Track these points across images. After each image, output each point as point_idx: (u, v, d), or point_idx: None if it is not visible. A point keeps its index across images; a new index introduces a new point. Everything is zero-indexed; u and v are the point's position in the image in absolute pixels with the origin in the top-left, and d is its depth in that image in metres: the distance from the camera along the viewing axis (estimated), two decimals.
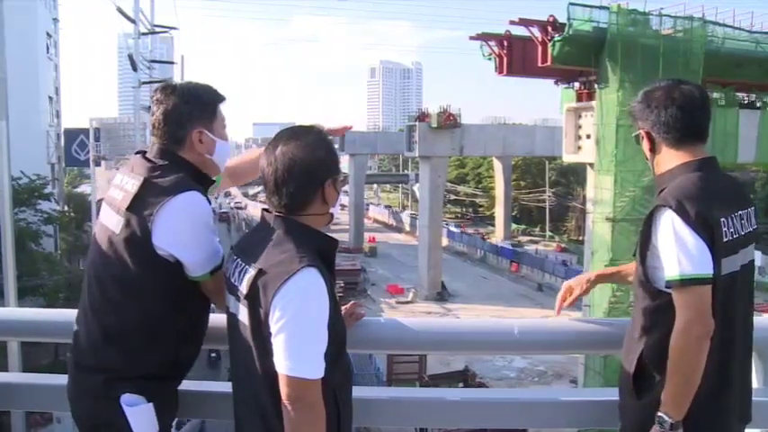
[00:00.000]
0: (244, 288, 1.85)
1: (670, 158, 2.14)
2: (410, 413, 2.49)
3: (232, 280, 1.94)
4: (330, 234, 1.98)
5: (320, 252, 1.88)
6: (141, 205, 2.04)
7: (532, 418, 2.49)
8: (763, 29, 26.93)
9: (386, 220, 78.83)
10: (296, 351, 1.76)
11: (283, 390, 1.77)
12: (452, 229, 62.67)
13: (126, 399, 2.04)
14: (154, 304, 2.09)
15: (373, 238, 61.26)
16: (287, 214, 1.91)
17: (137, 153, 2.24)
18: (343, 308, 2.27)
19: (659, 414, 1.97)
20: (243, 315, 1.88)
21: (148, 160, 2.16)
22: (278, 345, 1.77)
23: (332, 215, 1.99)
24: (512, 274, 49.10)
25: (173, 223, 2.03)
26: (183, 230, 2.05)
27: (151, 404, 2.07)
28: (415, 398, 2.62)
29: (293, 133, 1.94)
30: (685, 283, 1.93)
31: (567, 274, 42.06)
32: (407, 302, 40.66)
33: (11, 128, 7.63)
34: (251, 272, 1.83)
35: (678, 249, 1.94)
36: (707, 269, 1.93)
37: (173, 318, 2.12)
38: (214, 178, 2.27)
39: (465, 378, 24.66)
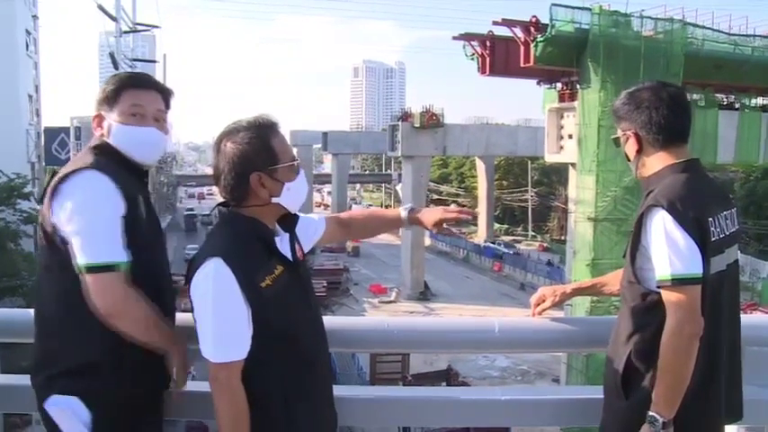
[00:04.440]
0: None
1: (657, 160, 2.15)
2: (393, 412, 2.49)
3: None
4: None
5: (256, 239, 1.97)
6: (49, 188, 2.04)
7: (515, 416, 2.50)
8: (741, 31, 27.29)
9: None
10: (201, 335, 1.90)
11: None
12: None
13: (52, 400, 2.02)
14: (67, 286, 2.02)
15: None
16: (231, 205, 2.00)
17: None
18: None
19: (650, 413, 1.98)
20: None
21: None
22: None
23: (277, 206, 2.00)
24: (494, 273, 49.28)
25: (62, 200, 1.99)
26: (70, 207, 1.98)
27: (76, 399, 2.00)
28: (397, 397, 2.62)
29: (229, 129, 2.00)
30: (676, 282, 1.95)
31: (550, 274, 42.32)
32: (390, 302, 40.66)
33: None
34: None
35: (669, 249, 1.96)
36: (697, 269, 1.96)
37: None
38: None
39: (448, 377, 24.71)
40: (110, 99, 2.16)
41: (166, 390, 2.20)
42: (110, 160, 2.10)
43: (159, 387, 2.18)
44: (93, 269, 1.95)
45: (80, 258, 1.96)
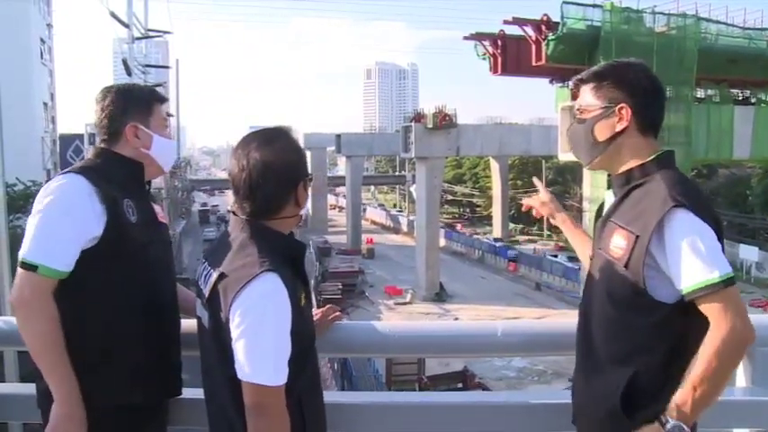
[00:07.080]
0: (206, 292, 1.86)
1: (636, 149, 1.92)
2: (405, 418, 2.45)
3: (199, 284, 1.94)
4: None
5: (287, 256, 1.88)
6: None
7: (532, 421, 2.45)
8: (755, 25, 27.07)
9: (383, 222, 78.83)
10: (255, 357, 1.74)
11: (245, 397, 1.75)
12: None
13: None
14: None
15: (371, 240, 61.26)
16: (258, 218, 1.90)
17: None
18: (318, 311, 2.24)
19: (673, 422, 1.75)
20: (205, 319, 1.90)
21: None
22: (238, 350, 1.75)
23: (301, 216, 2.00)
24: (510, 273, 49.11)
25: (36, 200, 2.01)
26: (35, 207, 2.00)
27: None
28: (410, 402, 2.58)
29: (263, 137, 1.93)
30: (728, 283, 1.73)
31: (565, 272, 42.09)
32: (406, 303, 40.63)
33: (5, 134, 7.58)
34: (213, 276, 1.84)
35: (708, 251, 1.74)
36: (731, 268, 1.77)
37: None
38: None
39: (464, 379, 24.61)
40: (143, 111, 2.21)
41: (171, 397, 2.20)
42: (110, 167, 2.12)
43: (161, 393, 2.17)
44: (22, 264, 1.96)
45: (20, 251, 1.98)
